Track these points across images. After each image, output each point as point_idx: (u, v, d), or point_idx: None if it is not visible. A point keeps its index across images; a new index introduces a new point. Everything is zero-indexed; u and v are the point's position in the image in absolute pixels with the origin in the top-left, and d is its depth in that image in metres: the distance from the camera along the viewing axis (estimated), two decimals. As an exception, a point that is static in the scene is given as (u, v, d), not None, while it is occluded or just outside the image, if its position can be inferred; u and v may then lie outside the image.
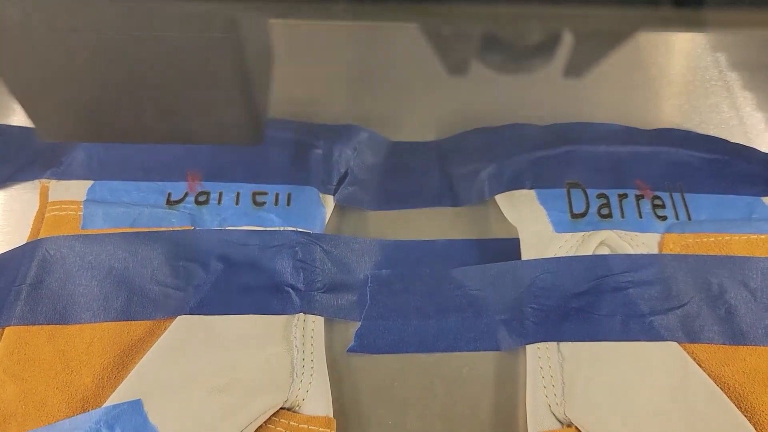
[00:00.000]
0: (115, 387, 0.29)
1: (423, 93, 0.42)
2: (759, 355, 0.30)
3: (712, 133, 0.40)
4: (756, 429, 0.28)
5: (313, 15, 0.18)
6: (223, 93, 0.21)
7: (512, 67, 0.18)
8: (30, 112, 0.22)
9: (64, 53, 0.19)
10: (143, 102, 0.22)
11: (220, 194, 0.35)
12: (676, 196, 0.36)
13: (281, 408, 0.29)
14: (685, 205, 0.35)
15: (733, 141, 0.39)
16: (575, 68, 0.18)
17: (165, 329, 0.30)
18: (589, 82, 0.43)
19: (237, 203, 0.35)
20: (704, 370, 0.30)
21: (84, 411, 0.28)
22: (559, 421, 0.29)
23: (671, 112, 0.42)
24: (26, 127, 0.39)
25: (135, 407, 0.28)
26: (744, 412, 0.28)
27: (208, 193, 0.35)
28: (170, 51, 0.19)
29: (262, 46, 0.22)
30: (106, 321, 0.31)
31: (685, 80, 0.44)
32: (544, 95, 0.41)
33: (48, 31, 0.18)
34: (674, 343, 0.30)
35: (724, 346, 0.31)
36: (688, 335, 0.31)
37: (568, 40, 0.17)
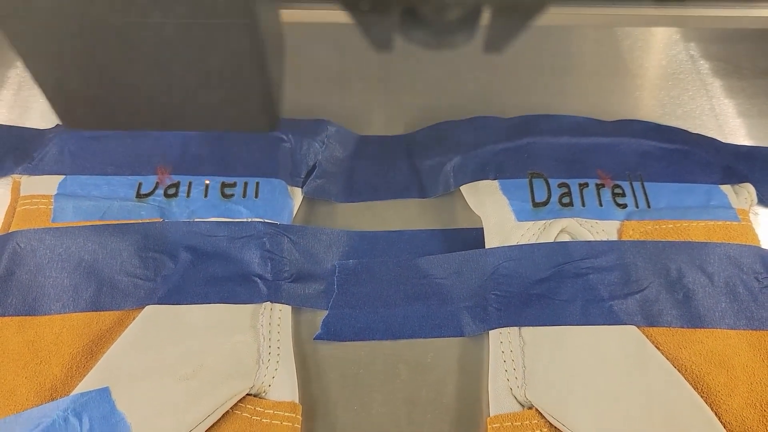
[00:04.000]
0: (84, 376, 0.29)
1: (391, 89, 0.43)
2: (716, 338, 0.31)
3: (684, 120, 0.41)
4: (712, 409, 0.29)
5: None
6: (242, 80, 0.21)
7: (434, 43, 0.18)
8: (51, 100, 0.22)
9: (85, 40, 0.19)
10: (162, 89, 0.22)
11: (189, 186, 0.36)
12: (636, 184, 0.36)
13: (247, 394, 0.29)
14: (645, 193, 0.36)
15: (704, 126, 0.40)
16: (494, 44, 0.18)
17: (133, 319, 0.31)
18: (559, 76, 0.44)
19: (206, 196, 0.35)
20: (662, 353, 0.30)
21: (53, 400, 0.28)
22: (520, 404, 0.29)
23: (646, 101, 0.43)
24: (-1, 124, 0.39)
25: (102, 395, 0.28)
26: (701, 393, 0.29)
27: (177, 186, 0.36)
28: (188, 37, 0.19)
29: (276, 33, 0.22)
30: (76, 312, 0.31)
31: (658, 70, 0.45)
32: (514, 88, 0.43)
33: (68, 18, 0.19)
34: (633, 327, 0.31)
35: (681, 329, 0.31)
36: (647, 319, 0.31)
37: (488, 15, 0.17)
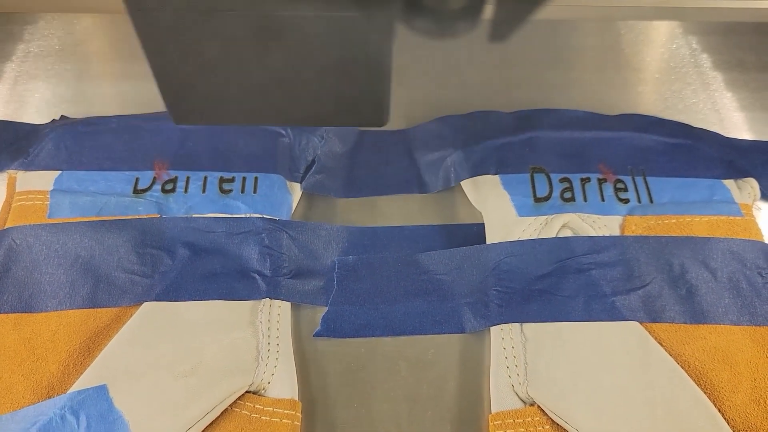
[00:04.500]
0: (81, 373, 0.29)
1: (391, 84, 0.43)
2: (719, 334, 0.31)
3: (686, 114, 0.41)
4: (715, 406, 0.29)
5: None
6: (369, 74, 0.21)
7: (437, 31, 0.18)
8: (165, 94, 0.22)
9: (211, 34, 0.19)
10: (283, 85, 0.21)
11: (187, 181, 0.35)
12: (639, 179, 0.36)
13: (247, 391, 0.29)
14: (647, 188, 0.36)
15: (706, 120, 0.40)
16: (498, 33, 0.18)
17: (131, 316, 0.31)
18: (560, 70, 0.44)
19: (204, 191, 0.35)
20: (665, 349, 0.30)
21: (49, 398, 0.28)
22: (522, 401, 0.29)
23: (648, 95, 0.43)
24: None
25: (100, 393, 0.28)
26: (703, 389, 0.29)
27: (174, 181, 0.35)
28: (322, 31, 0.19)
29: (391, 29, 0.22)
30: (73, 308, 0.31)
31: (660, 64, 0.45)
32: (515, 83, 0.42)
33: (197, 12, 0.19)
34: (635, 323, 0.31)
35: (684, 325, 0.31)
36: (650, 315, 0.31)
37: (491, 4, 0.17)
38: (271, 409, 0.29)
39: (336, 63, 0.20)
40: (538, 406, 0.29)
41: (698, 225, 0.34)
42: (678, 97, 0.42)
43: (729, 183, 0.36)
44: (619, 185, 0.36)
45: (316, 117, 0.24)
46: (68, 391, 0.28)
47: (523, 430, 0.28)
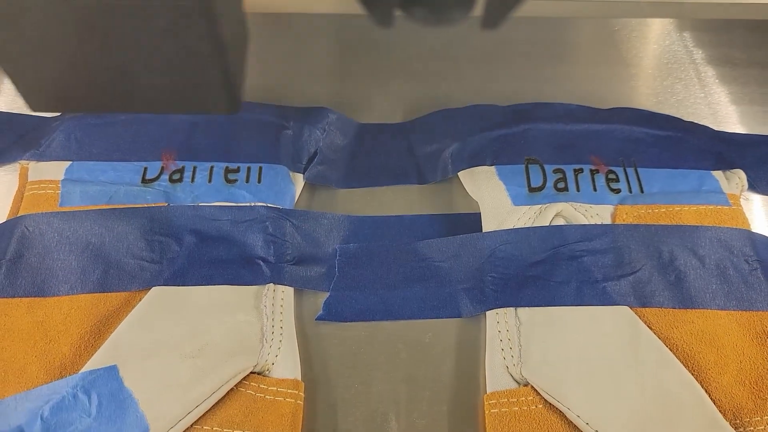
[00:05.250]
0: (92, 354, 0.30)
1: (390, 78, 0.44)
2: (706, 318, 0.32)
3: (677, 108, 0.42)
4: (702, 387, 0.30)
5: None
6: (199, 61, 0.21)
7: (433, 19, 0.19)
8: (16, 82, 0.22)
9: (48, 22, 0.20)
10: (123, 72, 0.22)
11: (194, 171, 0.36)
12: (630, 170, 0.37)
13: (251, 372, 0.30)
14: (638, 179, 0.37)
15: (697, 114, 0.40)
16: (491, 19, 0.19)
17: (140, 300, 0.32)
18: (555, 65, 0.45)
19: (210, 181, 0.36)
20: (654, 333, 0.31)
21: (62, 377, 0.29)
22: (516, 381, 0.30)
23: (640, 89, 0.44)
24: (5, 112, 0.40)
25: (111, 372, 0.29)
26: (691, 370, 0.30)
27: (182, 171, 0.36)
28: (146, 20, 0.19)
29: (237, 17, 0.23)
30: (84, 293, 0.32)
31: (652, 60, 0.46)
32: (511, 77, 0.43)
33: (33, 2, 0.19)
34: (626, 308, 0.32)
35: (673, 309, 0.32)
36: (640, 300, 0.32)
37: None
38: (275, 389, 0.30)
39: (168, 52, 0.21)
40: (532, 387, 0.30)
41: (687, 214, 0.35)
42: (670, 91, 0.43)
43: (717, 174, 0.37)
44: (611, 176, 0.37)
45: (161, 105, 0.24)
46: (80, 371, 0.29)
47: (517, 409, 0.29)
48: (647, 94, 0.43)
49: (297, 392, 0.30)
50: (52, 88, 0.23)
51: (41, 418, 0.27)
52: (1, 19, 0.20)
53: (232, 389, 0.29)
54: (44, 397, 0.28)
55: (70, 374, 0.29)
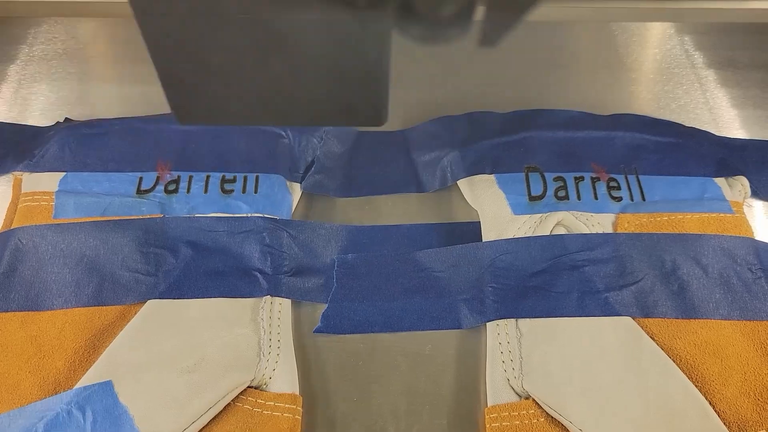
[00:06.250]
0: (87, 370, 0.29)
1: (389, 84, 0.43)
2: (710, 328, 0.32)
3: (678, 113, 0.41)
4: (706, 398, 0.29)
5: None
6: (367, 74, 0.21)
7: (429, 37, 0.19)
8: (169, 95, 0.22)
9: (204, 40, 0.20)
10: (284, 85, 0.22)
11: (190, 182, 0.36)
12: (631, 177, 0.37)
13: (249, 386, 0.30)
14: (640, 187, 0.36)
15: (699, 119, 0.40)
16: (488, 38, 0.19)
17: (135, 313, 0.31)
18: (554, 71, 0.45)
19: (206, 191, 0.36)
20: (657, 343, 0.31)
21: (56, 393, 0.29)
22: (517, 394, 0.30)
23: (641, 95, 0.43)
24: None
25: (105, 388, 0.29)
26: (695, 382, 0.30)
27: (177, 182, 0.36)
28: (322, 32, 0.19)
29: (386, 29, 0.22)
30: (78, 307, 0.32)
31: (653, 64, 0.45)
32: (510, 84, 0.43)
33: (202, 14, 0.19)
34: (628, 318, 0.32)
35: (676, 320, 0.32)
36: (642, 310, 0.32)
37: (482, 10, 0.18)
38: (272, 403, 0.29)
39: (334, 65, 0.21)
40: (533, 400, 0.29)
41: (690, 222, 0.35)
42: (671, 96, 0.43)
43: (720, 181, 0.37)
44: (612, 184, 0.37)
45: (315, 117, 0.24)
46: (74, 387, 0.29)
47: (518, 422, 0.29)
48: (648, 98, 0.43)
49: (295, 407, 0.29)
50: (205, 100, 0.23)
51: (35, 436, 0.27)
52: (171, 31, 0.20)
53: (229, 404, 0.29)
54: (38, 414, 0.28)
55: (64, 390, 0.29)
